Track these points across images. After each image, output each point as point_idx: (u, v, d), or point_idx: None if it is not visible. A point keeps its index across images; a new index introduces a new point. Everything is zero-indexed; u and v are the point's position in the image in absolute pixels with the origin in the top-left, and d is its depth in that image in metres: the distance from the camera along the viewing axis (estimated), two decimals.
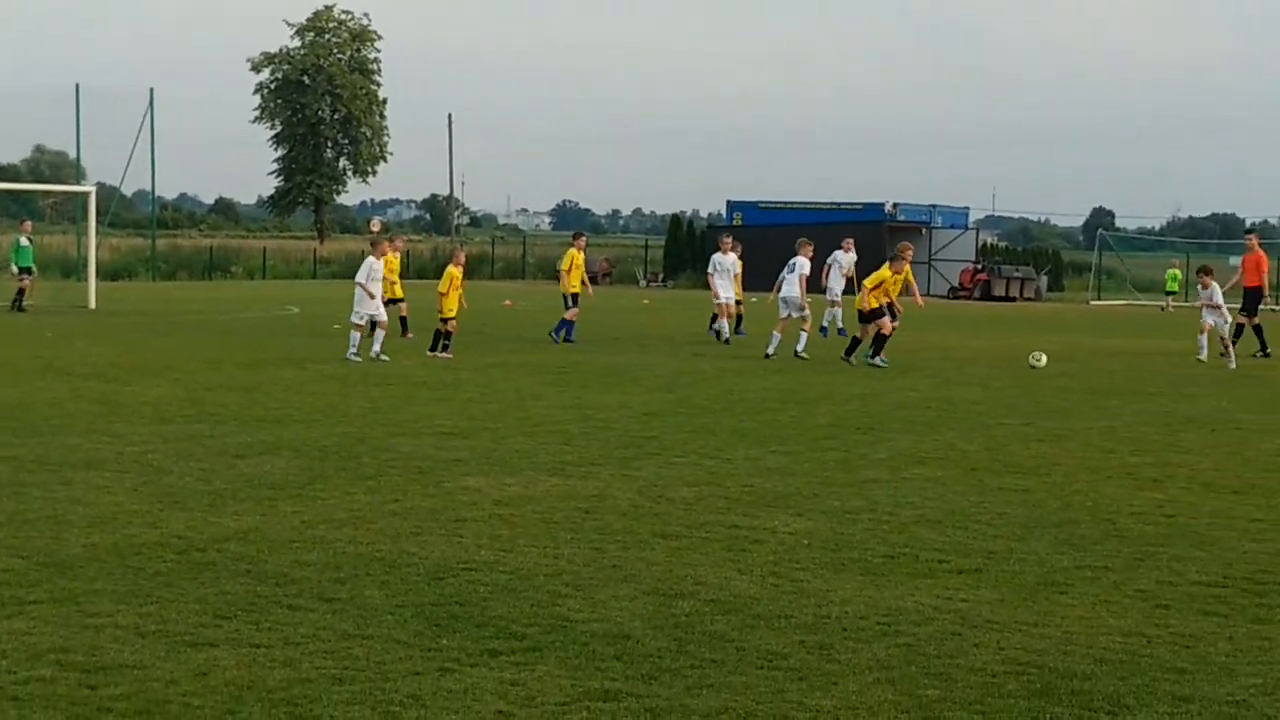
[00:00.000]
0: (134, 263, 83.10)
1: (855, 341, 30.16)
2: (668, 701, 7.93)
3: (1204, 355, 31.07)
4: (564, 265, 35.44)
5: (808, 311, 32.03)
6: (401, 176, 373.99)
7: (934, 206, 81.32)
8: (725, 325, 35.81)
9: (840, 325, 38.76)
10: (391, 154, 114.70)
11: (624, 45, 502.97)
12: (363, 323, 28.58)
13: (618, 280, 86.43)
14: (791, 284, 31.93)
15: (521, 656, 8.70)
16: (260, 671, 8.29)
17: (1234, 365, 30.13)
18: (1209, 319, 31.49)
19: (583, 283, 34.94)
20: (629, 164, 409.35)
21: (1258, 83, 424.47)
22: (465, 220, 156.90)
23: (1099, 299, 75.35)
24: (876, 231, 74.63)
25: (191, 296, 58.56)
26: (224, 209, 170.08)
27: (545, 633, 9.22)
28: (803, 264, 32.32)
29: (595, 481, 14.74)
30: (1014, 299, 74.72)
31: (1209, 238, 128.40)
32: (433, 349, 29.44)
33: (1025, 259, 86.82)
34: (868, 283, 29.69)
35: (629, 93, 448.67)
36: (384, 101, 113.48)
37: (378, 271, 29.14)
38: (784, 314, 31.91)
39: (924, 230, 79.38)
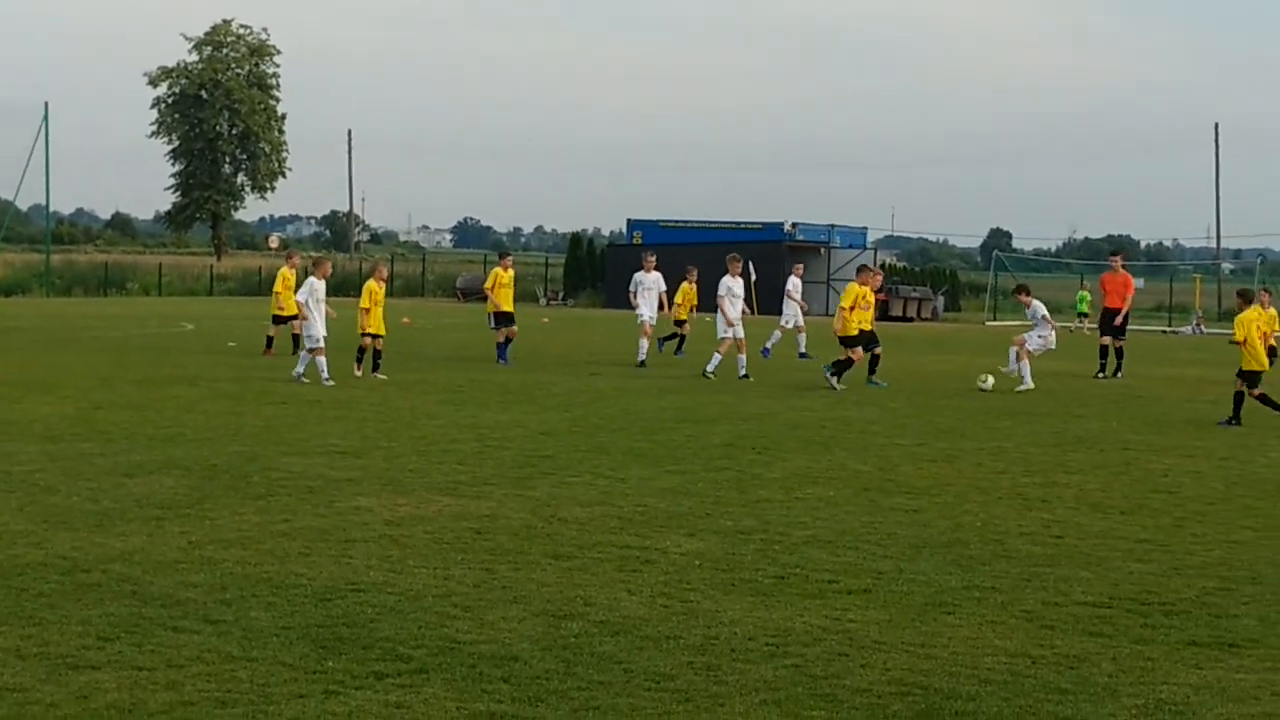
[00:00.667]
0: (28, 278, 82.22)
1: (847, 363, 29.53)
2: None
3: (1012, 370, 30.78)
4: (488, 284, 35.45)
5: (741, 333, 31.68)
6: (301, 192, 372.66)
7: (833, 226, 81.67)
8: (645, 345, 34.92)
9: (802, 349, 39.38)
10: (290, 170, 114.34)
11: (523, 59, 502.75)
12: (320, 345, 27.60)
13: (518, 298, 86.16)
14: (736, 304, 31.96)
15: (408, 679, 8.66)
16: (142, 694, 8.20)
17: (1028, 385, 29.77)
18: (1028, 337, 31.08)
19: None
20: (530, 181, 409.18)
21: (1152, 106, 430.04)
22: (365, 237, 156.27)
23: (995, 319, 75.99)
24: (776, 251, 74.84)
25: (86, 313, 57.93)
26: (121, 224, 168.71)
27: (433, 654, 9.18)
28: (735, 284, 32.19)
29: (488, 501, 14.70)
30: (911, 319, 75.24)
31: (1104, 258, 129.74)
32: (374, 369, 28.79)
33: (923, 279, 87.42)
34: (844, 302, 29.73)
35: (531, 110, 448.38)
36: (283, 117, 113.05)
37: (319, 291, 28.20)
38: (725, 334, 31.61)
39: (822, 250, 79.73)
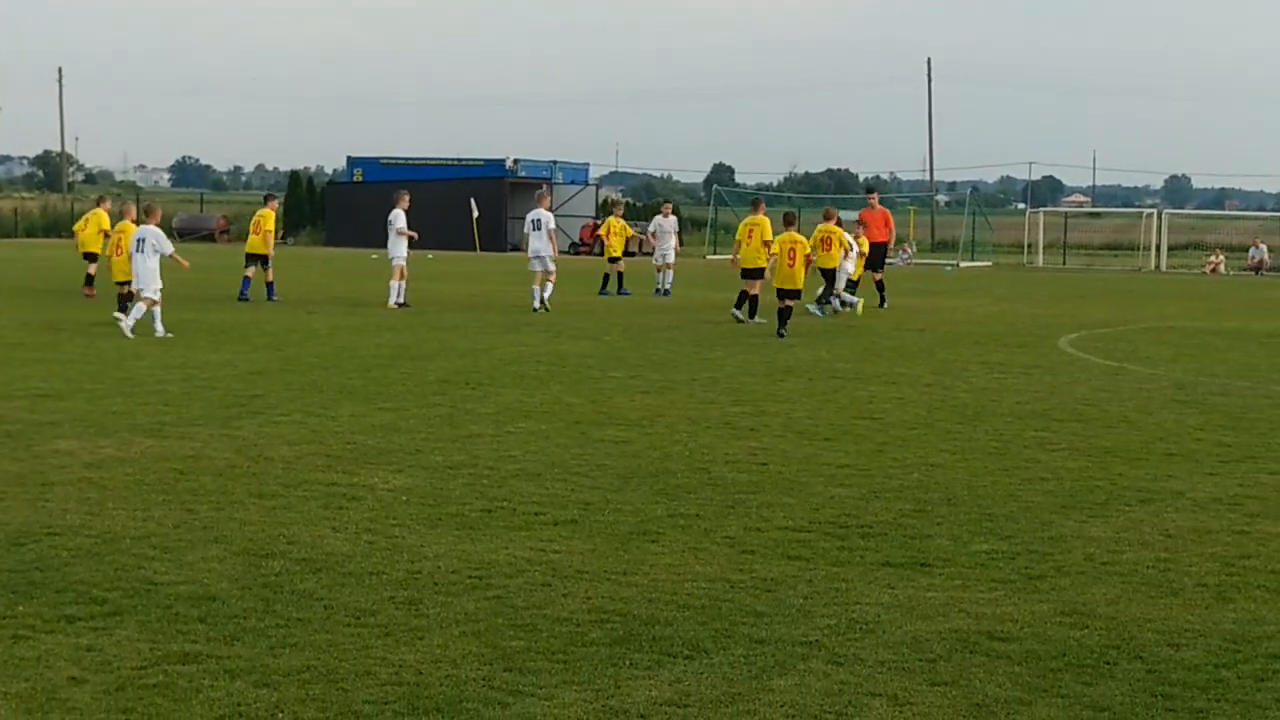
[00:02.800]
0: None
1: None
2: (249, 662, 7.83)
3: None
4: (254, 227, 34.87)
5: (553, 266, 32.37)
6: (11, 132, 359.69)
7: (554, 162, 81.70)
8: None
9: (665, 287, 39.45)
10: (0, 108, 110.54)
11: None
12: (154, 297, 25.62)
13: (236, 238, 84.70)
14: (539, 239, 32.48)
15: (101, 621, 8.50)
16: None
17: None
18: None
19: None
20: (250, 119, 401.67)
21: (867, 42, 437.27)
22: (80, 177, 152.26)
23: (715, 253, 76.72)
24: (498, 187, 74.74)
25: None
26: None
27: (128, 596, 9.02)
28: (546, 218, 32.86)
29: (193, 442, 14.46)
30: (634, 254, 75.61)
31: (824, 192, 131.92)
32: (121, 310, 27.53)
33: (647, 215, 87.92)
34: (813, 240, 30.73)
35: (248, 45, 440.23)
36: None
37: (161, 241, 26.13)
38: (536, 269, 32.35)
39: (544, 185, 79.72)
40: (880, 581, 9.80)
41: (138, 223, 27.09)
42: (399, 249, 32.82)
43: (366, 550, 10.34)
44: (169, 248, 26.12)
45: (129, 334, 24.78)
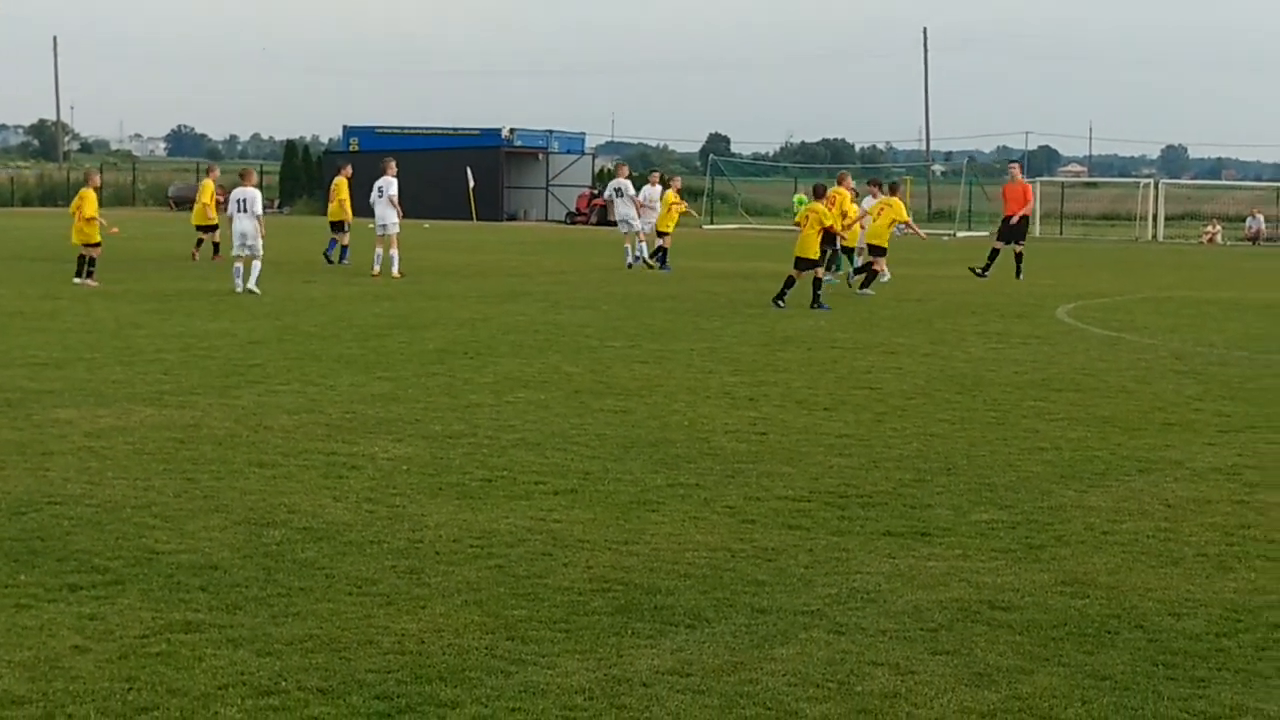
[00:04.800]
0: None
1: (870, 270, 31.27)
2: (251, 631, 7.84)
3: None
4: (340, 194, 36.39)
5: (639, 226, 35.66)
6: (6, 101, 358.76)
7: (550, 132, 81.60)
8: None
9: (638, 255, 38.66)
10: None
11: None
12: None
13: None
14: (625, 204, 34.64)
15: (103, 590, 8.51)
16: None
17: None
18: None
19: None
20: (246, 88, 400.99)
21: (866, 14, 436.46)
22: (75, 146, 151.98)
23: (712, 223, 76.66)
24: (494, 156, 74.69)
25: None
26: None
27: (129, 565, 9.02)
28: (626, 185, 34.94)
29: (192, 411, 14.46)
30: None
31: (820, 162, 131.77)
32: (79, 275, 28.71)
33: (643, 184, 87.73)
34: (852, 213, 31.08)
35: (244, 14, 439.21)
36: None
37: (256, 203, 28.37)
38: (624, 230, 34.73)
39: (541, 155, 79.65)
40: (881, 551, 9.81)
41: (224, 189, 29.81)
42: (391, 216, 32.87)
43: (367, 519, 10.35)
44: (259, 209, 28.14)
45: (253, 289, 27.13)
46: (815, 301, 26.76)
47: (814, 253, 27.22)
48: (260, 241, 27.58)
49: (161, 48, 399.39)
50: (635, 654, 7.63)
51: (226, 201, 30.74)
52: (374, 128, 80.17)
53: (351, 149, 77.19)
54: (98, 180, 30.80)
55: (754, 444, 13.44)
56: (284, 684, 7.10)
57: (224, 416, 14.19)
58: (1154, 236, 70.23)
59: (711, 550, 9.72)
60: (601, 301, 27.44)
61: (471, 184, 67.46)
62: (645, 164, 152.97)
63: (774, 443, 13.51)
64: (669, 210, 37.70)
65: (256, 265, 27.53)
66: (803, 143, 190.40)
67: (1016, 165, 40.35)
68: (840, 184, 31.53)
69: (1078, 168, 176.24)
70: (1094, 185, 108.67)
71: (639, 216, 39.05)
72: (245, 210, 27.89)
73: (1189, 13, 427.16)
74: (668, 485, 11.65)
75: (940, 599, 8.73)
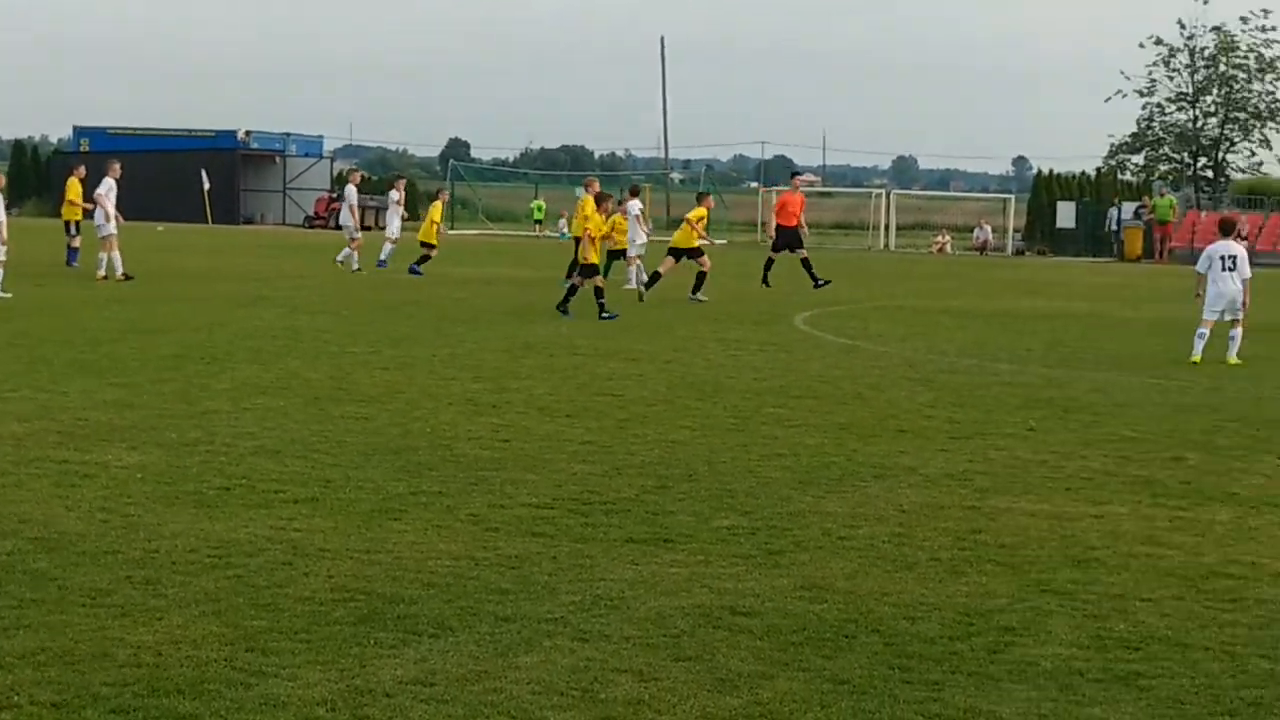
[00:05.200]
0: None
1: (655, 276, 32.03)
2: None
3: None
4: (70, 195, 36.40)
5: (360, 236, 37.23)
6: None
7: (288, 134, 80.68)
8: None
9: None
10: None
11: None
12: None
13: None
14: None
15: None
16: None
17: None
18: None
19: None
20: None
21: (603, 19, 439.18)
22: None
23: (453, 228, 76.38)
24: (230, 158, 73.66)
25: None
26: None
27: None
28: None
29: None
30: (369, 228, 74.95)
31: (561, 169, 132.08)
32: None
33: (382, 188, 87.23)
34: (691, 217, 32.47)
35: None
36: None
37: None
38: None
39: (278, 158, 78.73)
40: (624, 558, 9.86)
41: None
42: (101, 218, 32.43)
43: (101, 529, 10.11)
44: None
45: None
46: (562, 306, 26.94)
47: (596, 258, 28.17)
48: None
49: None
50: (378, 664, 7.57)
51: None
52: (105, 128, 78.52)
53: (82, 149, 75.47)
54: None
55: (497, 451, 13.42)
56: (16, 699, 6.90)
57: None
58: (886, 246, 71.71)
59: (455, 558, 9.68)
60: (342, 307, 27.19)
61: (206, 186, 66.46)
62: (385, 168, 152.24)
63: (517, 450, 13.51)
64: (431, 225, 38.65)
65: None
66: (543, 149, 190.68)
67: (799, 177, 41.23)
68: (588, 190, 31.83)
69: (812, 177, 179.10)
70: (828, 194, 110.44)
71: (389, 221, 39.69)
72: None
73: (916, 28, 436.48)
74: (410, 493, 11.58)
75: (682, 605, 8.80)
